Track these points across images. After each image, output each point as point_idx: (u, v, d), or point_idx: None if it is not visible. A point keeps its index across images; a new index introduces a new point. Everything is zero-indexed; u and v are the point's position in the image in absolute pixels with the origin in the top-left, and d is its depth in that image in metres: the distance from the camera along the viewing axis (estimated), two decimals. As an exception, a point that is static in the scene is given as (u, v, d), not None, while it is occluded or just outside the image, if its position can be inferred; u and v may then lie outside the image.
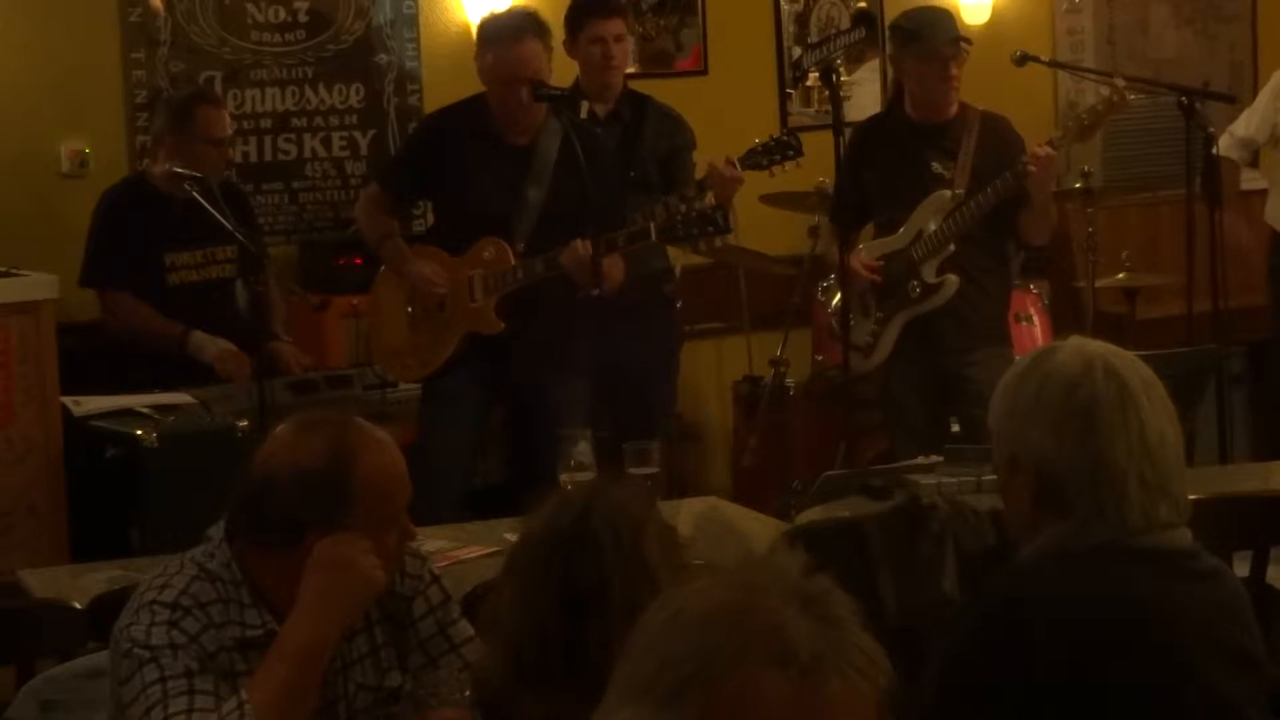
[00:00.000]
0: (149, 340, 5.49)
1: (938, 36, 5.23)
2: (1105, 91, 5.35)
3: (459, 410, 5.06)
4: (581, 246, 4.83)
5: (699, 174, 5.47)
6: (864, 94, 7.10)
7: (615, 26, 5.53)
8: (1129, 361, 2.46)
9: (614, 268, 4.94)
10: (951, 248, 5.30)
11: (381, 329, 5.27)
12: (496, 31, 5.00)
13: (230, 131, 5.70)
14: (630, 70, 6.13)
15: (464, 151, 5.01)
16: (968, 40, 5.33)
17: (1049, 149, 5.15)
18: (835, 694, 1.41)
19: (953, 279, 5.31)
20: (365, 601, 2.53)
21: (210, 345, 5.48)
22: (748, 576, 1.48)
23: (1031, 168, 5.11)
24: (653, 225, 5.05)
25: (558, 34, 5.37)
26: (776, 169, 5.32)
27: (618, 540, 2.33)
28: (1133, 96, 5.77)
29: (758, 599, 1.44)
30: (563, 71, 5.51)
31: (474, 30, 6.23)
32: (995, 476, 2.63)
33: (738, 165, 5.24)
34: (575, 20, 5.55)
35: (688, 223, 5.02)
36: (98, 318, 5.63)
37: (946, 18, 5.38)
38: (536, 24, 5.01)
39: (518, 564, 2.39)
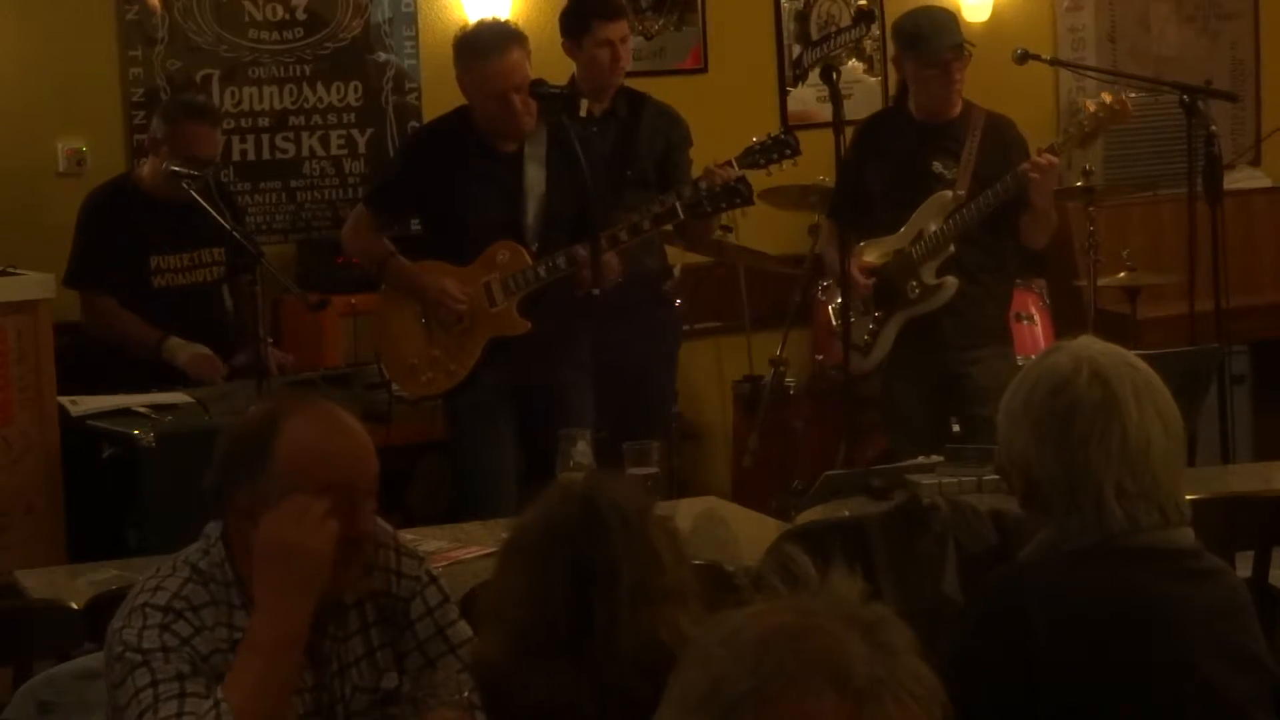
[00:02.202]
0: (126, 345, 5.49)
1: (939, 42, 5.21)
2: (1107, 98, 5.34)
3: (497, 427, 5.01)
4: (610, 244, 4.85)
5: (695, 174, 5.46)
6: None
7: (621, 29, 5.52)
8: (1123, 365, 2.44)
9: (611, 262, 4.94)
10: (951, 249, 5.29)
11: (395, 346, 5.14)
12: (480, 45, 4.94)
13: (216, 152, 5.65)
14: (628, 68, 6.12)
15: (457, 162, 4.97)
16: (970, 44, 5.32)
17: (1050, 156, 5.14)
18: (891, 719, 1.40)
19: (951, 281, 5.31)
20: (321, 572, 2.45)
21: (183, 350, 5.47)
22: (805, 601, 1.48)
23: (1033, 175, 5.11)
24: (678, 203, 5.04)
25: (544, 36, 5.36)
26: (774, 168, 5.31)
27: (625, 522, 2.34)
28: (1133, 95, 5.75)
29: (816, 622, 1.44)
30: (555, 69, 5.50)
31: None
32: (996, 476, 2.62)
33: (735, 165, 5.24)
34: (579, 23, 5.52)
35: (714, 197, 5.04)
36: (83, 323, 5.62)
37: (949, 21, 5.35)
38: (516, 33, 4.97)
39: (522, 549, 2.38)
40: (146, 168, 5.62)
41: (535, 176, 5.00)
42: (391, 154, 6.43)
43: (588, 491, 2.39)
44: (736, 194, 5.03)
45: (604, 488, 2.41)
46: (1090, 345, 2.47)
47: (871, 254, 5.42)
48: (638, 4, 6.90)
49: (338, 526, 2.46)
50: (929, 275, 5.34)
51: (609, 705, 2.25)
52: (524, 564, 2.36)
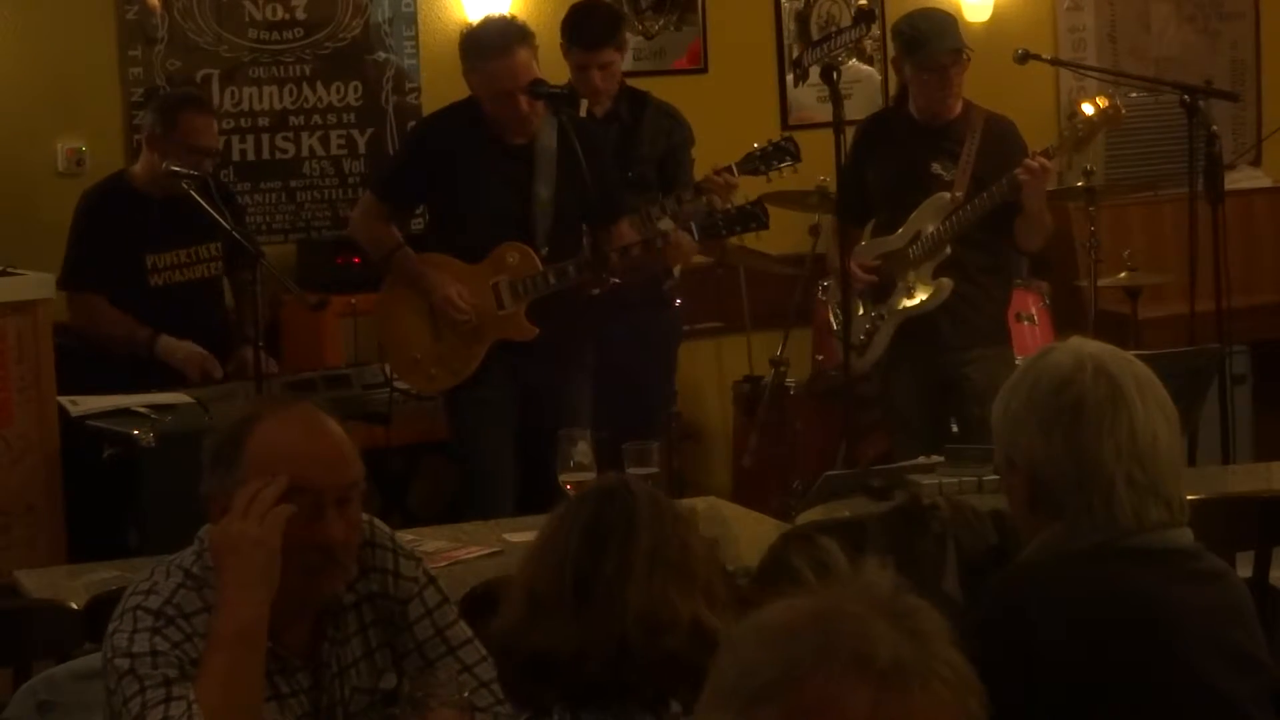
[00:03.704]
0: (116, 345, 5.48)
1: (937, 46, 5.22)
2: (1103, 101, 5.34)
3: (498, 425, 5.02)
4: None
5: (697, 175, 5.47)
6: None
7: (600, 58, 5.51)
8: (1124, 361, 2.45)
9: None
10: (948, 250, 5.30)
11: (399, 340, 5.14)
12: (483, 46, 4.94)
13: (217, 142, 5.64)
14: (627, 68, 6.12)
15: (468, 154, 4.97)
16: (969, 49, 5.32)
17: (1043, 160, 5.16)
18: (917, 704, 1.39)
19: (946, 282, 5.32)
20: (271, 561, 2.44)
21: (178, 350, 5.46)
22: (835, 590, 1.48)
23: (1024, 178, 5.12)
24: (694, 225, 5.06)
25: (544, 35, 5.38)
26: (773, 174, 5.32)
27: (654, 501, 2.34)
28: (1134, 95, 5.75)
29: (843, 608, 1.44)
30: (557, 68, 5.51)
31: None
32: (996, 476, 2.62)
33: (735, 171, 5.24)
34: (565, 39, 5.55)
35: (729, 220, 5.06)
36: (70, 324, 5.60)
37: (948, 25, 5.36)
38: (521, 32, 4.96)
39: (545, 530, 2.38)
40: (140, 165, 5.61)
41: (545, 172, 4.99)
42: (393, 151, 6.42)
43: (624, 477, 2.42)
44: (753, 218, 5.03)
45: (644, 483, 2.42)
46: (1086, 344, 2.48)
47: (870, 254, 5.43)
48: (638, 4, 6.90)
49: (290, 513, 2.44)
50: (926, 276, 5.34)
51: (597, 655, 2.24)
52: (547, 536, 2.35)
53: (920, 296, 5.35)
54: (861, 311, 5.43)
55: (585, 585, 2.27)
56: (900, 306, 5.37)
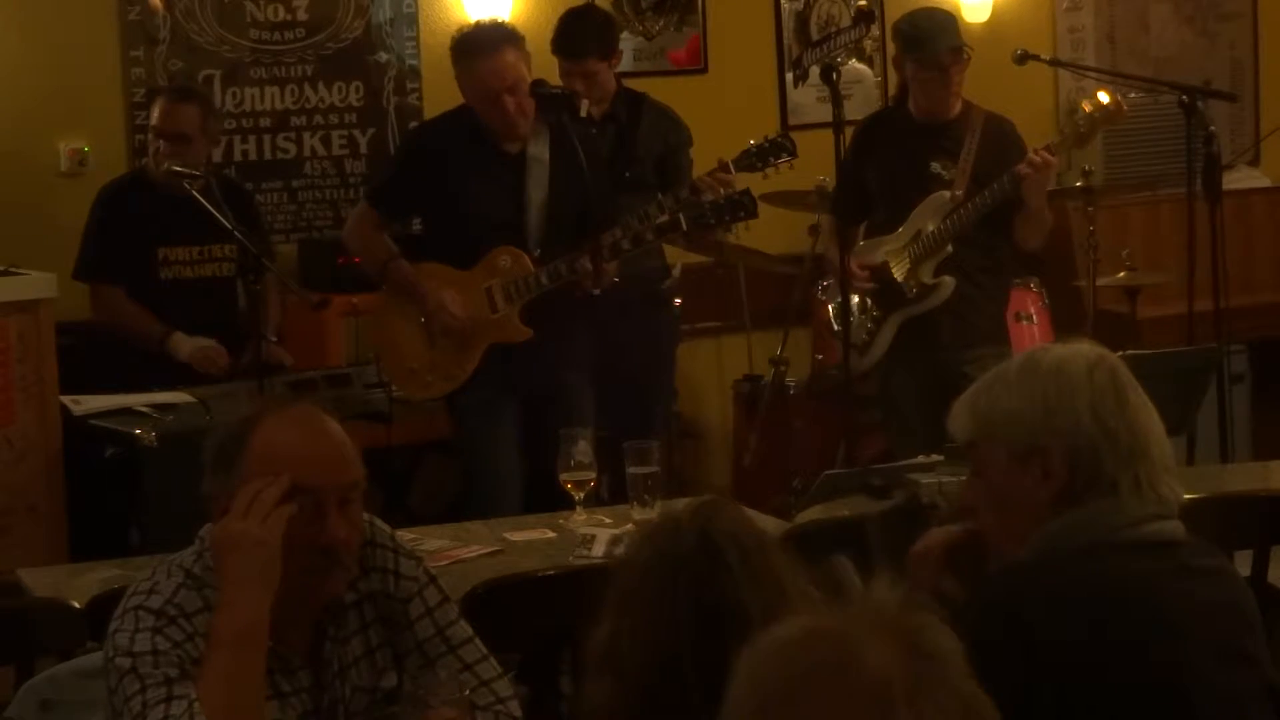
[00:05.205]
0: (132, 338, 5.52)
1: (937, 45, 5.23)
2: (1104, 98, 5.35)
3: (501, 425, 5.02)
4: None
5: (697, 174, 5.48)
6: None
7: (584, 67, 5.51)
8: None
9: (610, 269, 4.97)
10: (949, 249, 5.31)
11: (394, 349, 5.15)
12: (472, 47, 4.95)
13: (186, 130, 5.54)
14: (628, 69, 6.13)
15: (460, 162, 4.98)
16: (969, 48, 5.33)
17: (1046, 155, 5.16)
18: None
19: (949, 280, 5.32)
20: (272, 561, 2.44)
21: (186, 344, 5.49)
22: (841, 609, 1.50)
23: (1027, 172, 5.12)
24: (682, 216, 5.06)
25: (543, 37, 5.40)
26: (771, 170, 5.33)
27: (745, 557, 2.24)
28: (1133, 95, 5.75)
29: (841, 628, 1.46)
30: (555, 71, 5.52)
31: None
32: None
33: (731, 168, 5.25)
34: (551, 45, 5.57)
35: (718, 210, 5.04)
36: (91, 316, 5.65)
37: (948, 24, 5.37)
38: (510, 34, 4.97)
39: (636, 593, 2.26)
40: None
41: (538, 178, 5.00)
42: (389, 156, 6.44)
43: (702, 524, 2.28)
44: (741, 207, 5.04)
45: (716, 519, 2.30)
46: (1077, 344, 2.49)
47: (870, 254, 5.43)
48: (638, 4, 6.92)
49: (291, 513, 2.45)
50: (926, 275, 5.35)
51: None
52: (641, 610, 2.24)
53: (921, 295, 5.35)
54: (864, 310, 5.43)
55: (711, 680, 2.08)
56: (901, 305, 5.37)
